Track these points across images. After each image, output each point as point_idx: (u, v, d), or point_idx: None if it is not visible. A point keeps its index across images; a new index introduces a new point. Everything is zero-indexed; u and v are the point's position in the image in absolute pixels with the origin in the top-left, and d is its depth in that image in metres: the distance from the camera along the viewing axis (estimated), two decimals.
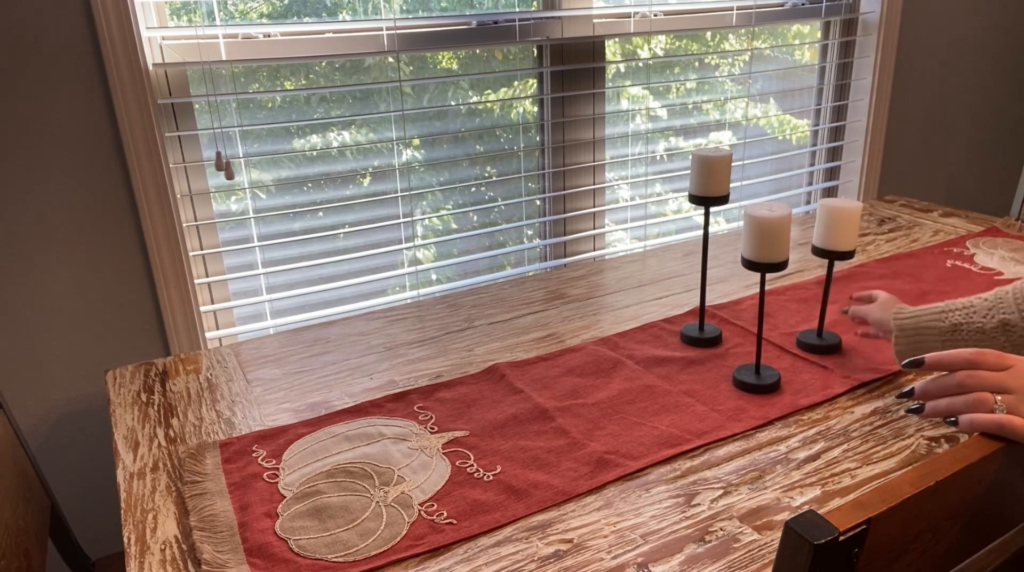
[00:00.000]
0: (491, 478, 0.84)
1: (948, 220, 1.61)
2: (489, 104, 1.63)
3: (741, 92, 1.94)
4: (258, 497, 0.81)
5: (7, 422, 1.04)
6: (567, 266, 1.77)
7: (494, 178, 1.68)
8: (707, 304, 1.24)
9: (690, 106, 1.88)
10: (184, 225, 1.38)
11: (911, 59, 2.12)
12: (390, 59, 1.50)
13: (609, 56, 1.72)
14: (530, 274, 1.44)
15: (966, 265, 1.36)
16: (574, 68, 1.67)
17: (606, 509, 0.79)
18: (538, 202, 1.76)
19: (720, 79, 1.90)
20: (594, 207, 1.81)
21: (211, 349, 1.17)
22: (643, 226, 1.91)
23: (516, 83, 1.66)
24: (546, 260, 1.82)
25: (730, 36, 1.88)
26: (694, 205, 1.86)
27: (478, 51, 1.58)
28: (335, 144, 1.51)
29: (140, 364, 1.13)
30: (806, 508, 0.77)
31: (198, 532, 0.76)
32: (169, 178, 1.32)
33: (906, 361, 0.75)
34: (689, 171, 1.27)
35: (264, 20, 1.39)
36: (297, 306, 1.57)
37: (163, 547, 0.75)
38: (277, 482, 0.84)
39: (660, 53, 1.81)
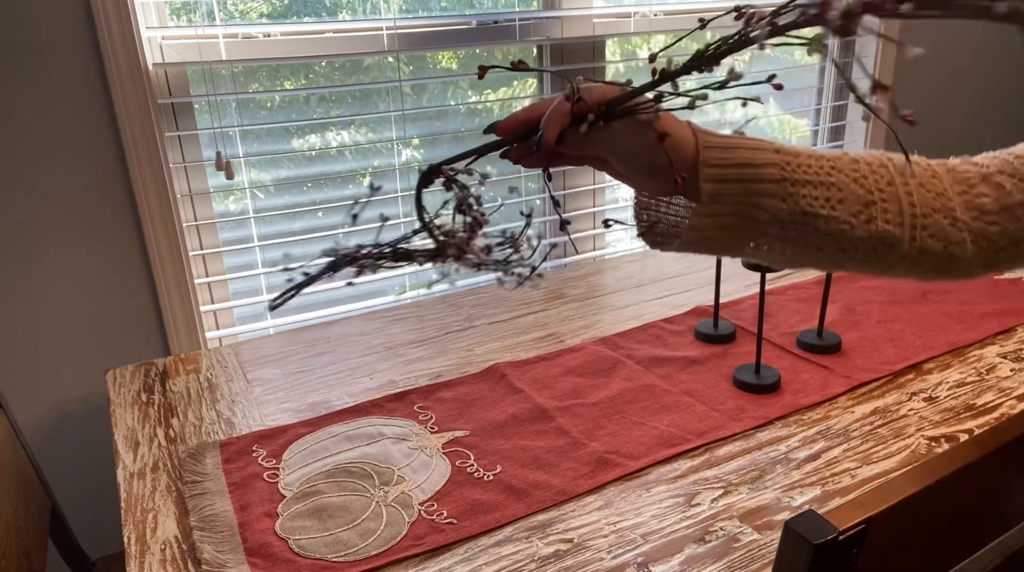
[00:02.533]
0: (491, 478, 0.84)
1: None
2: (489, 104, 1.63)
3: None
4: (258, 497, 0.81)
5: (7, 422, 1.04)
6: (567, 266, 1.77)
7: (494, 178, 1.68)
8: (707, 304, 1.24)
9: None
10: (184, 225, 1.38)
11: (911, 59, 2.12)
12: (390, 59, 1.50)
13: (609, 56, 1.72)
14: None
15: None
16: (574, 68, 1.67)
17: (606, 509, 0.79)
18: (538, 202, 1.76)
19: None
20: (594, 207, 1.81)
21: (211, 349, 1.17)
22: None
23: (516, 83, 1.66)
24: (546, 260, 1.82)
25: None
26: None
27: (478, 51, 1.58)
28: (335, 144, 1.51)
29: (140, 364, 1.13)
30: (806, 508, 0.77)
31: (198, 532, 0.76)
32: (169, 178, 1.32)
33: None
34: None
35: (264, 20, 1.39)
36: (297, 306, 1.57)
37: (163, 547, 0.75)
38: (277, 482, 0.84)
39: None
